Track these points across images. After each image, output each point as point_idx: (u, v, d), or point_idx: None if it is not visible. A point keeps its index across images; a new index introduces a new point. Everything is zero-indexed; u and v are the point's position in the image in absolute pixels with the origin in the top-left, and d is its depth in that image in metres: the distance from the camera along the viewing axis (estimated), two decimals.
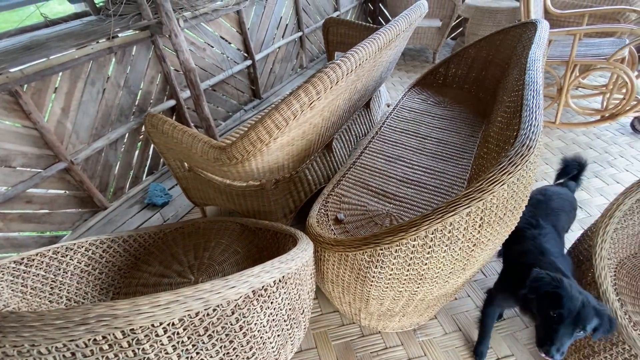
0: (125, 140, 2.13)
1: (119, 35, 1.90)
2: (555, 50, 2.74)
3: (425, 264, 0.91)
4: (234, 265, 1.25)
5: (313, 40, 3.85)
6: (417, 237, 0.84)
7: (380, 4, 4.53)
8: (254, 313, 0.69)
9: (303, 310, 0.91)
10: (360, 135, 2.28)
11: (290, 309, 0.83)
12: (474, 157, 1.74)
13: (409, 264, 0.91)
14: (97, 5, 1.99)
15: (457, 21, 4.15)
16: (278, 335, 0.79)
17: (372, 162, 1.75)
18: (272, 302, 0.74)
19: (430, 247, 0.86)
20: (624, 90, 2.54)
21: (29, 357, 0.52)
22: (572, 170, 1.53)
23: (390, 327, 1.43)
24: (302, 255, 0.86)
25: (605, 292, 1.09)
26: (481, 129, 1.99)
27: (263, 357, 0.76)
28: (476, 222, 0.85)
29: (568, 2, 3.16)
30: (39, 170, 1.72)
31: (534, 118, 0.97)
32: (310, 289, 0.98)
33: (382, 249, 0.89)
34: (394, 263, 0.91)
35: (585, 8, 2.88)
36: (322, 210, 1.47)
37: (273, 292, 0.73)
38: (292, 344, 0.90)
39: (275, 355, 0.81)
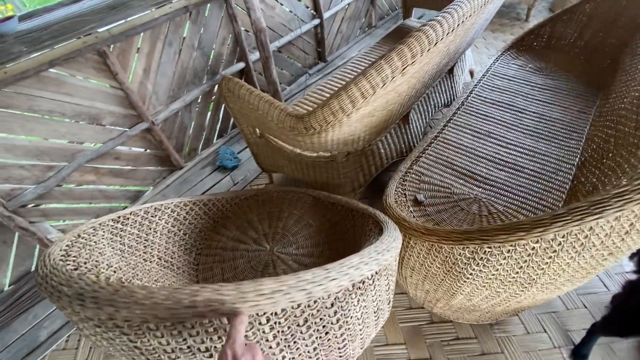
0: (198, 102, 2.17)
1: None
2: None
3: (542, 268, 0.77)
4: (307, 237, 1.22)
5: None
6: (542, 239, 0.70)
7: None
8: (351, 306, 0.64)
9: (389, 300, 0.84)
10: (440, 105, 2.05)
11: (380, 300, 0.76)
12: (586, 138, 1.46)
13: (521, 266, 0.78)
14: None
15: None
16: (367, 327, 0.74)
17: (457, 137, 1.55)
18: (367, 295, 0.68)
19: (554, 251, 0.72)
20: None
21: (139, 331, 0.51)
22: None
23: (466, 318, 1.34)
24: (395, 244, 0.78)
25: None
26: (595, 104, 1.65)
27: (352, 347, 0.72)
28: (624, 228, 0.68)
29: None
30: (125, 129, 1.83)
31: None
32: (395, 277, 0.91)
33: (490, 247, 0.77)
34: (501, 264, 0.79)
35: None
36: (400, 189, 1.36)
37: (369, 285, 0.67)
38: (375, 332, 0.85)
39: (361, 345, 0.77)
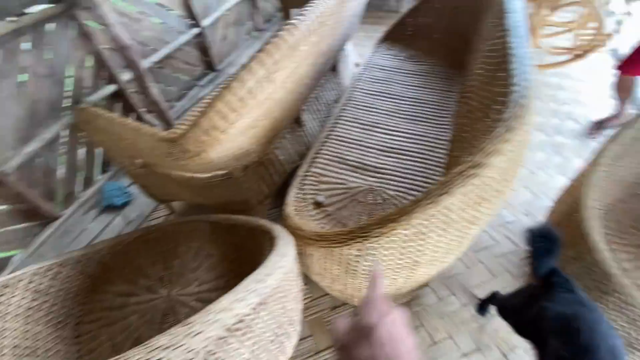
0: (64, 139, 1.84)
1: (26, 12, 1.55)
2: None
3: (420, 250, 0.82)
4: (210, 269, 1.12)
5: None
6: (410, 225, 0.74)
7: None
8: (232, 352, 0.57)
9: (292, 321, 0.81)
10: (330, 102, 2.10)
11: (276, 326, 0.72)
12: (454, 115, 1.63)
13: (402, 253, 0.82)
14: None
15: None
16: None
17: (347, 132, 1.60)
18: (253, 331, 0.62)
19: (424, 233, 0.77)
20: (590, 25, 2.46)
21: None
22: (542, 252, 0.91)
23: None
24: (282, 263, 0.74)
25: (596, 243, 1.07)
26: (457, 82, 1.87)
27: None
28: (474, 200, 0.75)
29: None
30: None
31: (524, 71, 0.85)
32: (297, 292, 0.88)
33: (371, 243, 0.78)
34: (385, 255, 0.82)
35: None
36: (300, 195, 1.34)
37: (252, 320, 0.62)
38: (284, 356, 0.81)
39: None
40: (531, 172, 1.94)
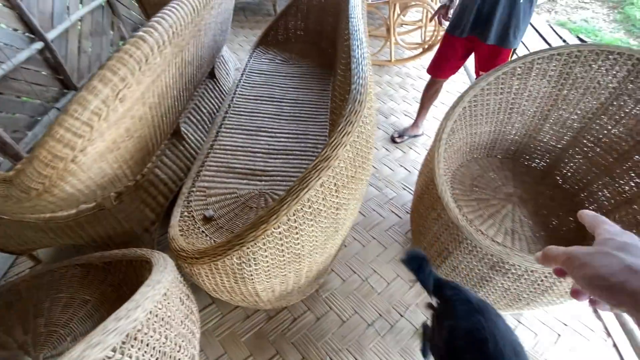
0: None
1: None
2: None
3: (298, 243, 0.87)
4: (86, 318, 0.99)
5: (129, 3, 3.14)
6: (280, 223, 0.78)
7: None
8: None
9: (180, 347, 0.77)
10: (213, 110, 2.05)
11: (157, 358, 0.68)
12: (330, 112, 1.77)
13: (282, 250, 0.86)
14: None
15: None
16: None
17: (232, 140, 1.59)
18: None
19: (296, 227, 0.82)
20: (433, 22, 2.96)
21: None
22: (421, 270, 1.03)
23: (294, 299, 1.44)
24: (155, 291, 0.70)
25: (447, 204, 1.30)
26: (330, 81, 2.03)
27: None
28: (331, 189, 0.83)
29: None
30: None
31: (361, 70, 0.98)
32: (185, 316, 0.84)
33: (249, 247, 0.80)
34: (266, 256, 0.85)
35: None
36: (186, 213, 1.28)
37: None
38: None
39: None
40: (404, 152, 2.24)
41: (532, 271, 1.18)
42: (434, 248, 1.44)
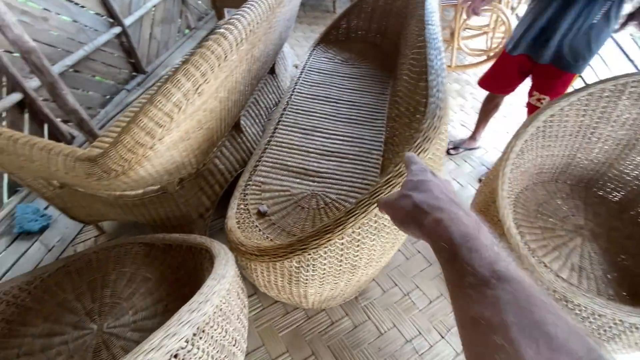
0: None
1: None
2: None
3: (357, 255, 0.86)
4: (146, 295, 1.05)
5: None
6: (345, 234, 0.77)
7: None
8: None
9: (236, 341, 0.80)
10: (270, 105, 2.09)
11: (218, 351, 0.71)
12: (387, 118, 1.73)
13: (340, 260, 0.85)
14: None
15: None
16: None
17: (288, 137, 1.61)
18: None
19: (359, 240, 0.81)
20: (502, 29, 2.77)
21: None
22: None
23: (334, 303, 1.44)
24: (220, 286, 0.72)
25: (509, 229, 1.22)
26: (389, 85, 1.97)
27: None
28: None
29: None
30: None
31: (440, 83, 0.94)
32: (240, 311, 0.87)
33: (310, 254, 0.80)
34: (324, 264, 0.84)
35: None
36: (242, 205, 1.32)
37: (189, 352, 0.60)
38: None
39: None
40: (457, 164, 2.13)
41: (599, 315, 1.08)
42: None
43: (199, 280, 1.04)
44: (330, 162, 1.51)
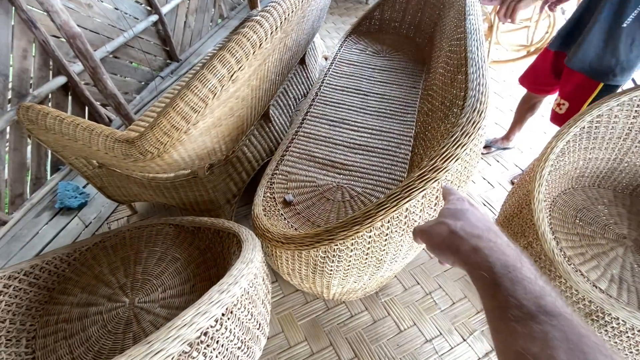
0: (8, 136, 1.69)
1: None
2: None
3: (384, 249, 0.85)
4: (175, 275, 1.09)
5: None
6: (373, 227, 0.76)
7: None
8: None
9: (260, 325, 0.81)
10: (299, 96, 2.08)
11: (243, 333, 0.72)
12: (417, 112, 1.68)
13: (367, 253, 0.84)
14: None
15: None
16: None
17: (316, 129, 1.60)
18: (218, 342, 0.62)
19: (387, 235, 0.79)
20: (546, 24, 2.61)
21: None
22: None
23: (355, 296, 1.44)
24: (248, 270, 0.74)
25: (543, 233, 1.16)
26: (422, 78, 1.92)
27: None
28: (432, 202, 0.79)
29: None
30: None
31: (481, 75, 0.89)
32: (265, 296, 0.88)
33: (336, 245, 0.80)
34: (350, 256, 0.84)
35: None
36: (268, 194, 1.33)
37: (217, 331, 0.62)
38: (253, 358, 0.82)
39: None
40: (489, 164, 2.05)
41: (639, 331, 1.01)
42: None
43: (225, 263, 1.07)
44: (357, 155, 1.49)
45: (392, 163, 1.45)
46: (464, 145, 0.74)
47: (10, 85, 1.66)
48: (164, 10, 2.48)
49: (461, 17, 1.28)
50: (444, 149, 0.75)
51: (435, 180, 0.74)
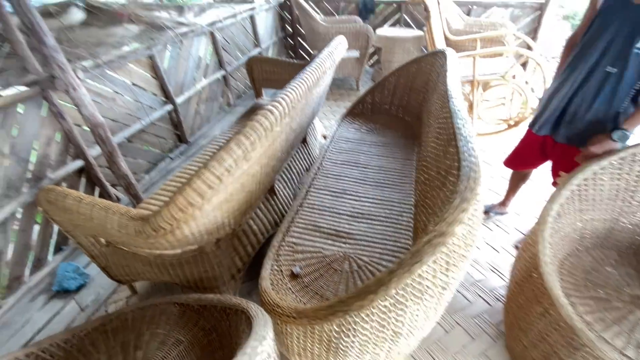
0: (18, 218, 1.73)
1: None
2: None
3: (399, 320, 0.83)
4: (179, 359, 1.02)
5: (237, 77, 3.76)
6: (387, 295, 0.76)
7: (299, 38, 4.68)
8: None
9: None
10: (302, 171, 2.21)
11: None
12: (415, 182, 1.78)
13: (382, 325, 0.82)
14: None
15: (373, 51, 4.46)
16: None
17: (320, 200, 1.67)
18: None
19: (402, 303, 0.79)
20: (521, 100, 2.93)
21: None
22: None
23: None
24: (262, 348, 0.71)
25: (557, 299, 1.13)
26: (414, 151, 2.07)
27: None
28: (442, 266, 0.80)
29: (461, 30, 3.62)
30: None
31: (471, 148, 1.00)
32: None
33: (351, 317, 0.79)
34: (366, 328, 0.81)
35: (475, 34, 3.31)
36: (275, 267, 1.33)
37: None
38: None
39: None
40: (490, 229, 2.08)
41: None
42: (538, 349, 1.24)
43: (233, 344, 1.01)
44: (362, 224, 1.53)
45: (395, 230, 1.48)
46: (465, 210, 0.79)
47: (30, 168, 1.77)
48: (179, 100, 2.78)
49: (445, 99, 1.46)
50: (447, 214, 0.79)
51: (444, 245, 0.77)
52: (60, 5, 2.26)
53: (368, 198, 1.68)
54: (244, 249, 1.59)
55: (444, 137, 1.31)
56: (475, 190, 0.84)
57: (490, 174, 2.59)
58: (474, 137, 1.07)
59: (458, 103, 1.32)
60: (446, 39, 3.37)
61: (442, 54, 1.97)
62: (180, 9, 3.00)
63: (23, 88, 1.65)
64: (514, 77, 2.88)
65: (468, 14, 4.05)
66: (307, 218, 1.57)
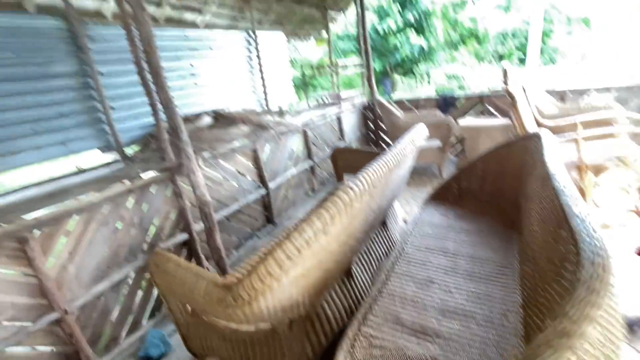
0: (129, 281, 1.99)
1: (141, 176, 2.02)
2: None
3: None
4: None
5: (322, 167, 4.11)
6: None
7: (380, 133, 5.03)
8: None
9: None
10: (380, 255, 2.09)
11: None
12: (520, 276, 1.49)
13: None
14: (126, 154, 2.20)
15: (456, 141, 4.46)
16: None
17: (401, 288, 1.51)
18: None
19: None
20: None
21: None
22: None
23: None
24: None
25: None
26: (513, 239, 1.80)
27: None
28: None
29: (557, 114, 3.41)
30: (27, 323, 1.54)
31: (590, 228, 0.82)
32: None
33: None
34: None
35: (575, 115, 3.05)
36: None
37: None
38: None
39: None
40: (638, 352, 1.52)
41: None
42: None
43: None
44: (454, 323, 1.29)
45: (498, 334, 1.20)
46: (594, 304, 0.61)
47: (147, 240, 2.10)
48: (272, 185, 3.12)
49: (546, 179, 1.30)
50: (570, 308, 0.62)
51: (569, 349, 0.58)
52: (197, 114, 2.98)
53: (460, 291, 1.46)
54: (316, 336, 1.47)
55: (552, 220, 1.13)
56: (605, 280, 0.66)
57: (624, 272, 2.02)
58: (590, 215, 0.89)
59: (563, 181, 1.16)
60: (539, 124, 3.18)
61: (536, 136, 1.84)
62: (281, 113, 3.62)
63: (155, 173, 2.09)
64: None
65: (562, 100, 3.85)
66: (387, 308, 1.41)
